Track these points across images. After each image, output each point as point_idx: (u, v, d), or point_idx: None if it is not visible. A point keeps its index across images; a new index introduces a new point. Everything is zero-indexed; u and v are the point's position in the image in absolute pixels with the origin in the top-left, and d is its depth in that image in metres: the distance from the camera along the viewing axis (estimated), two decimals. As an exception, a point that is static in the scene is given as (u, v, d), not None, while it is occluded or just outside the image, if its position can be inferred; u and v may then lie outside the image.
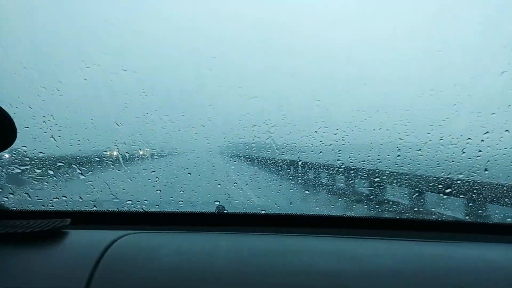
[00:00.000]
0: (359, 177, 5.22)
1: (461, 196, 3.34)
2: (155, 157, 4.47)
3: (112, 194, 2.47)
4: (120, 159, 3.37)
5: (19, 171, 2.59)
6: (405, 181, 4.08)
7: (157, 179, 3.30)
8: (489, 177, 2.77)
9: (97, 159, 3.70)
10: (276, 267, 1.22)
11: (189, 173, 3.73)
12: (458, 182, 3.10)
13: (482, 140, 2.63)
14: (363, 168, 4.36)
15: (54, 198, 2.24)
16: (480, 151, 2.64)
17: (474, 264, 1.29)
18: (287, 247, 1.39)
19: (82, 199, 2.28)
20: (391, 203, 4.40)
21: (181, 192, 3.00)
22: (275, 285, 1.13)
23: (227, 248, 1.35)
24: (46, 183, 2.71)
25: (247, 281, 1.14)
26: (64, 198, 2.25)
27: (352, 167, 4.79)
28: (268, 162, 4.65)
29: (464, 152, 2.71)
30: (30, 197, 2.22)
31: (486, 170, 2.58)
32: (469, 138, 2.73)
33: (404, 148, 3.10)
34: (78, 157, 3.48)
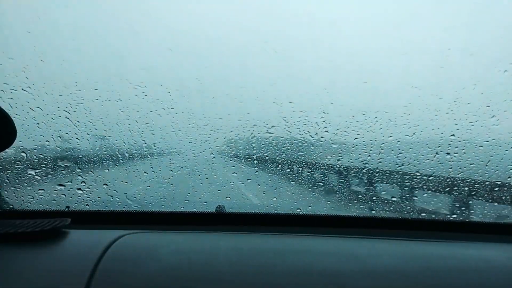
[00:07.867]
0: (359, 176, 5.22)
1: (461, 195, 3.35)
2: (154, 157, 4.47)
3: (112, 193, 2.47)
4: (120, 159, 3.37)
5: (19, 171, 2.59)
6: (405, 181, 4.09)
7: (154, 173, 3.31)
8: (489, 176, 2.77)
9: (97, 158, 3.71)
10: (276, 267, 1.21)
11: (194, 172, 3.74)
12: (458, 181, 3.10)
13: (481, 146, 2.65)
14: (363, 168, 4.36)
15: (53, 197, 2.24)
16: (480, 150, 2.65)
17: (474, 264, 1.29)
18: (287, 247, 1.39)
19: (82, 198, 2.28)
20: (391, 202, 4.40)
21: (171, 189, 3.00)
22: (275, 285, 1.13)
23: (227, 248, 1.35)
24: (46, 183, 2.71)
25: (247, 281, 1.14)
26: (64, 198, 2.25)
27: (352, 167, 4.80)
28: (268, 162, 4.66)
29: (464, 152, 2.71)
30: (30, 197, 2.22)
31: (486, 165, 2.59)
32: (470, 138, 2.74)
33: (404, 148, 3.11)
34: (78, 157, 3.49)
